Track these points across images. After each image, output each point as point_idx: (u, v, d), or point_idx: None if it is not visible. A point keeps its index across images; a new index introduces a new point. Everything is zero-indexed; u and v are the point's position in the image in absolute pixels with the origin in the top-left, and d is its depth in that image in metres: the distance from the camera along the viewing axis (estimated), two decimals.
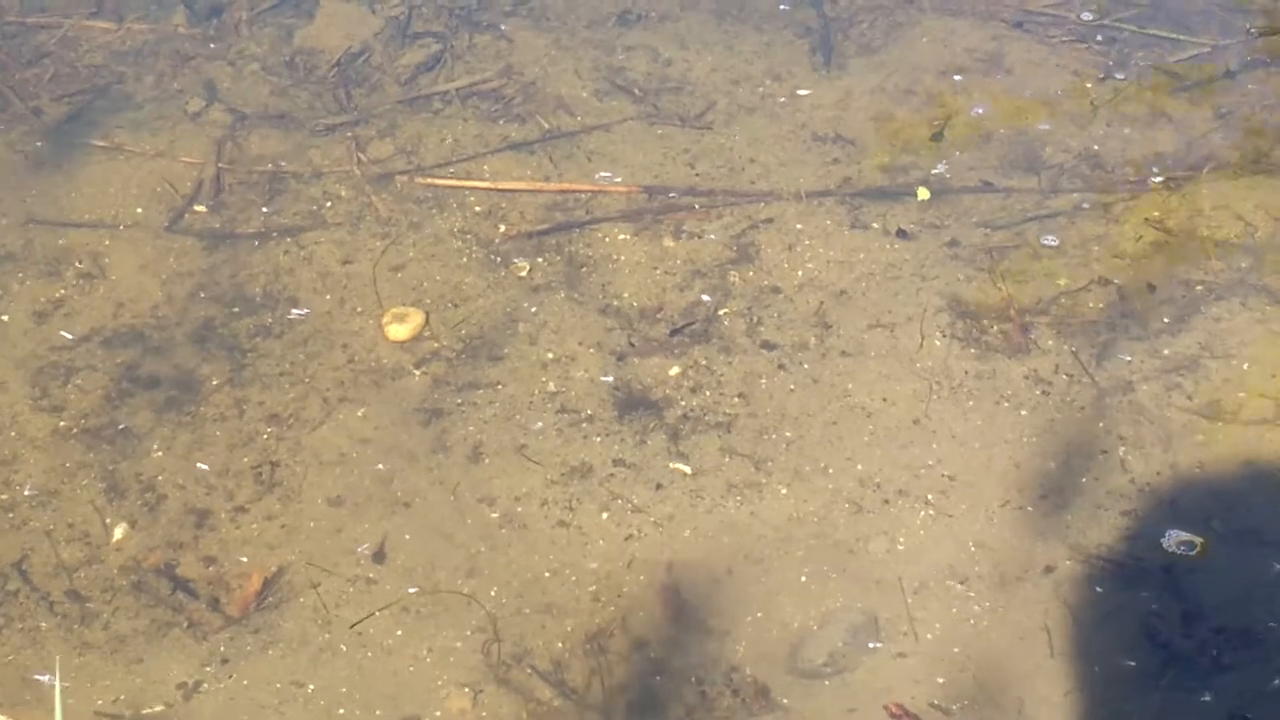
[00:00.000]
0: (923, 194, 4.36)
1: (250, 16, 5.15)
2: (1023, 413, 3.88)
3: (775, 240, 4.33)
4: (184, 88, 4.87)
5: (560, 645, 3.49)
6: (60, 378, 4.02)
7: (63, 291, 4.23)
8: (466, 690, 3.41)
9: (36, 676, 3.41)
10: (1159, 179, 4.44)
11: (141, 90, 4.86)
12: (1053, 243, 4.26)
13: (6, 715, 3.30)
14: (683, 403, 3.95)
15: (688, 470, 3.80)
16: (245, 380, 4.01)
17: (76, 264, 4.30)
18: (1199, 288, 4.14)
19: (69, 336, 4.10)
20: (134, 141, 4.66)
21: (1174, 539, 3.59)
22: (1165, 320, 4.07)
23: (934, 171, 4.51)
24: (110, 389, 4.00)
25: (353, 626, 3.49)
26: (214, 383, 4.01)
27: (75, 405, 3.96)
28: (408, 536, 3.68)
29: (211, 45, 5.04)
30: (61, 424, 3.92)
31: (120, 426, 3.91)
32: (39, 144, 4.66)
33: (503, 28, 5.09)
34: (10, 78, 4.88)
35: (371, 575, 3.60)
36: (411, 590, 3.57)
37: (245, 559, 3.64)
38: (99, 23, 5.13)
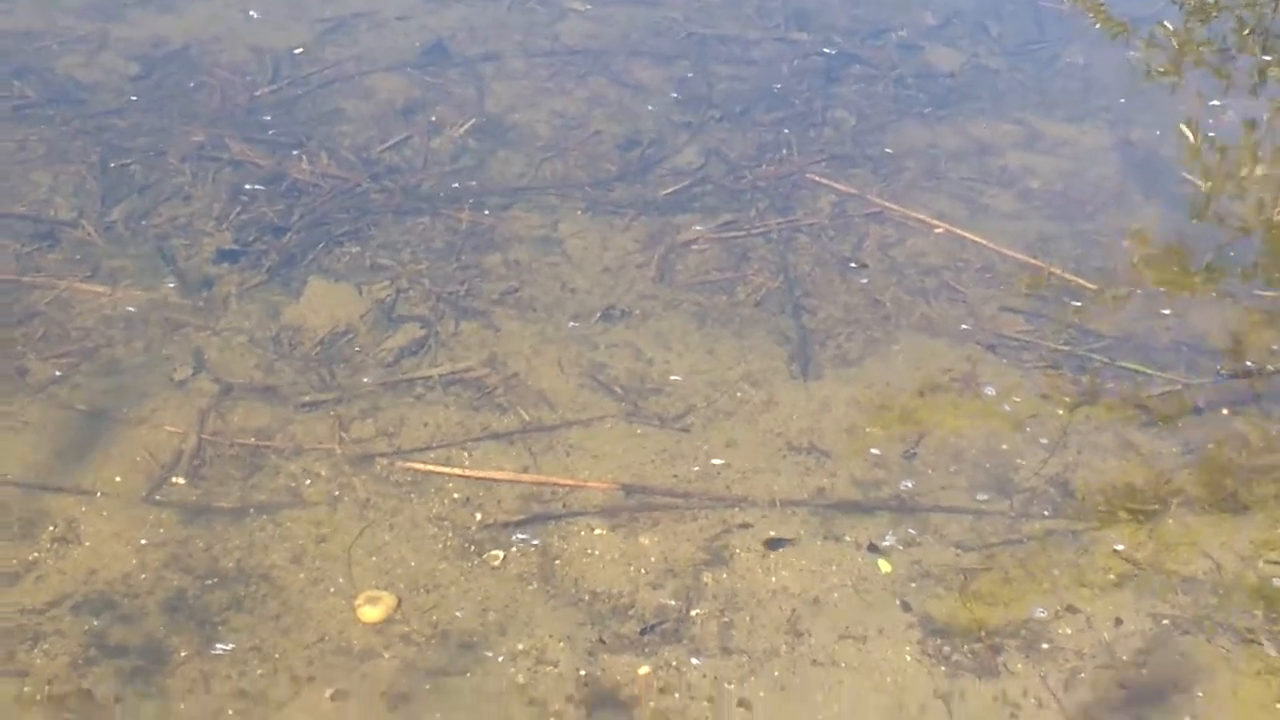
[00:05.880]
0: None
1: (239, 291, 5.24)
2: None
3: (749, 545, 4.37)
4: (171, 355, 4.93)
5: None
6: (28, 642, 3.98)
7: (36, 555, 4.21)
8: None
9: None
10: (1127, 510, 4.52)
11: (130, 355, 4.91)
12: (1021, 569, 4.32)
13: None
14: (651, 704, 3.94)
15: None
16: (214, 654, 3.99)
17: (51, 528, 4.29)
18: (1165, 621, 4.19)
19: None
20: (117, 408, 4.69)
21: None
22: (1132, 652, 4.11)
23: (904, 487, 4.58)
24: (78, 655, 3.96)
25: None
26: (182, 654, 3.99)
27: (41, 671, 3.92)
28: None
29: (201, 316, 5.11)
30: (25, 689, 3.87)
31: (85, 694, 3.87)
32: (21, 405, 4.68)
33: (489, 316, 5.19)
34: None
35: None
36: None
37: None
38: (92, 286, 5.20)
